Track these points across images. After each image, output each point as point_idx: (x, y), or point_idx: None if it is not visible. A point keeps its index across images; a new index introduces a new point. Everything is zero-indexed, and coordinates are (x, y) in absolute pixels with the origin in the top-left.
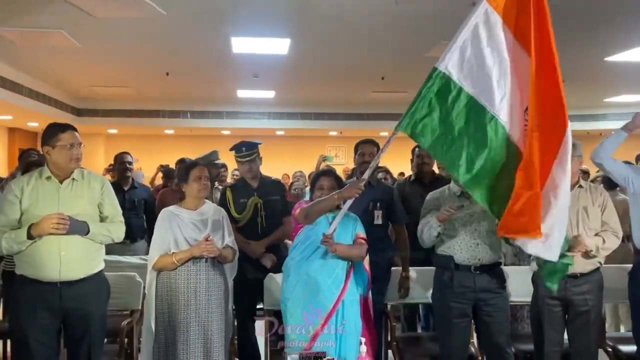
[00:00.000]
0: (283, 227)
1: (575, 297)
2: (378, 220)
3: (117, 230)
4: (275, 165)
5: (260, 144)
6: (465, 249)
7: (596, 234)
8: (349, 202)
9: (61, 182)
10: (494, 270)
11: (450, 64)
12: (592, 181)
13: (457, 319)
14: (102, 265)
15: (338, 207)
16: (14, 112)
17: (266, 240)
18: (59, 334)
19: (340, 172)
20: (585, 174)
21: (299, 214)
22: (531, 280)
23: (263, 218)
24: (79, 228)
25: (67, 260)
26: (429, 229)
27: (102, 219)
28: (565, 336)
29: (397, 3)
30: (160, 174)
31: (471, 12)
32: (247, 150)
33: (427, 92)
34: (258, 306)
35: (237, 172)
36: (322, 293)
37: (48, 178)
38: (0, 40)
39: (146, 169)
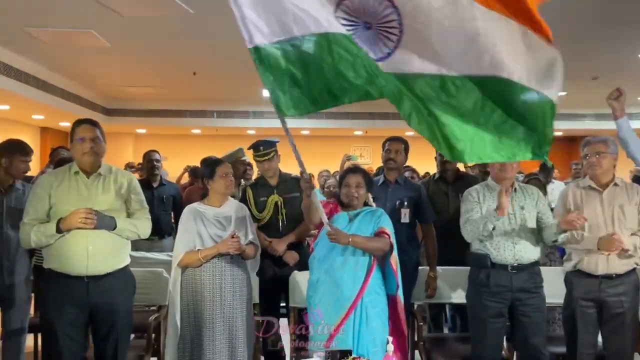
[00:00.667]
0: (304, 224)
1: (610, 299)
2: (405, 219)
3: (144, 227)
4: None
5: (277, 142)
6: (502, 247)
7: (633, 234)
8: (317, 199)
9: (89, 177)
10: (531, 270)
11: (259, 35)
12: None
13: (492, 319)
14: (128, 260)
15: (366, 204)
16: (45, 112)
17: (287, 238)
18: (87, 328)
19: None
20: None
21: None
22: (564, 281)
23: (284, 216)
24: (106, 223)
25: (94, 254)
26: (484, 223)
27: (129, 215)
28: (599, 338)
29: None
30: (186, 174)
31: None
32: (264, 149)
33: (266, 73)
34: (281, 304)
35: None
36: (340, 291)
37: (76, 173)
38: (32, 40)
39: (173, 168)
